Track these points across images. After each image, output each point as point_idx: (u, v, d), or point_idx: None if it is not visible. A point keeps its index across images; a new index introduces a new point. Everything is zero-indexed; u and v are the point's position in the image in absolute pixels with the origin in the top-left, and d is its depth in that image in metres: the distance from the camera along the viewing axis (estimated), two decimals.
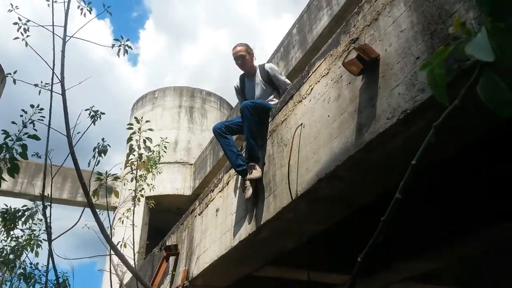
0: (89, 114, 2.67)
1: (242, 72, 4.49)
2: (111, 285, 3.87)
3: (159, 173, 5.80)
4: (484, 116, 2.17)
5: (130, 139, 3.40)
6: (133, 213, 4.20)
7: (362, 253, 0.79)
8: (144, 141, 3.53)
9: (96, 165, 2.61)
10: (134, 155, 3.56)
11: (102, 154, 2.66)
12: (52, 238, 2.62)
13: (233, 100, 13.72)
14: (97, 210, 5.19)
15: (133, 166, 3.75)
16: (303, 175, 3.07)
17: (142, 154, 3.63)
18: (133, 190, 4.31)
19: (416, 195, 3.56)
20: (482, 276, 5.42)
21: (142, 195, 4.62)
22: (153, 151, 5.64)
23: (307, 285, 4.82)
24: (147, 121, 3.85)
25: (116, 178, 2.61)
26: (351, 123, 2.56)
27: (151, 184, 5.69)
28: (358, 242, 4.69)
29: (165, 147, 5.91)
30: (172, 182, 12.93)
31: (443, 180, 3.41)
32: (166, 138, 6.28)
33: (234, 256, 4.29)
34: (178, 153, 13.41)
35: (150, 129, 3.85)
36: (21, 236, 4.27)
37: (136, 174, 4.00)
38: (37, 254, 4.47)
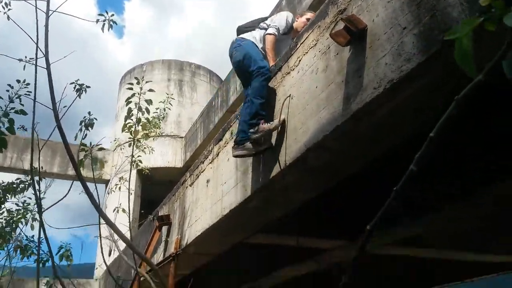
0: (74, 88, 2.66)
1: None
2: (102, 255, 3.94)
3: (154, 139, 5.81)
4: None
5: (128, 101, 3.36)
6: (130, 178, 4.22)
7: (371, 222, 0.83)
8: (147, 102, 3.49)
9: (83, 139, 2.62)
10: (132, 119, 3.53)
11: (89, 128, 2.67)
12: (43, 209, 2.66)
13: (223, 73, 13.62)
14: (95, 184, 5.23)
15: (131, 129, 3.72)
16: (291, 145, 3.13)
17: (140, 118, 3.60)
18: (131, 156, 4.31)
19: (404, 160, 3.66)
20: (468, 240, 5.65)
21: (140, 161, 4.62)
22: (154, 117, 5.61)
23: (296, 251, 4.99)
24: (147, 82, 3.80)
25: (101, 149, 2.62)
26: (339, 94, 2.61)
27: (150, 147, 5.67)
28: (346, 208, 4.85)
29: (163, 117, 5.86)
30: (163, 155, 12.96)
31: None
32: (158, 109, 6.25)
33: (225, 225, 4.40)
34: (168, 126, 13.38)
35: (151, 90, 3.81)
36: (15, 210, 4.31)
37: (134, 138, 3.99)
38: (32, 228, 4.53)
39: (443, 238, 5.53)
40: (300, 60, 3.15)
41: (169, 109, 6.05)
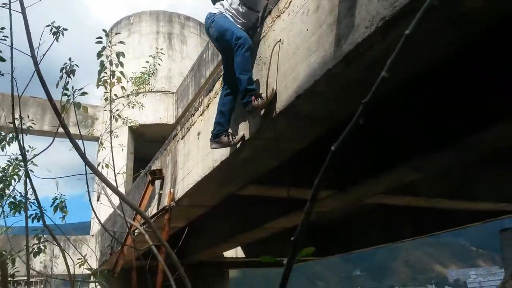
0: (51, 31, 2.51)
1: None
2: (93, 210, 3.93)
3: (144, 96, 5.71)
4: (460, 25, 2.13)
5: (99, 54, 3.21)
6: (110, 134, 4.14)
7: (337, 142, 0.74)
8: (117, 56, 3.34)
9: (65, 87, 2.52)
10: (106, 72, 3.40)
11: (71, 75, 2.55)
12: (28, 160, 2.59)
13: None
14: (79, 130, 5.12)
15: (106, 84, 3.59)
16: (282, 92, 3.05)
17: (115, 71, 3.45)
18: (109, 111, 4.21)
19: (394, 107, 3.61)
20: (459, 187, 5.73)
21: (119, 115, 4.52)
22: (143, 73, 5.43)
23: (288, 202, 5.03)
24: (117, 33, 3.64)
25: (83, 93, 2.52)
26: (330, 35, 2.49)
27: (140, 103, 5.55)
28: (336, 156, 4.85)
29: (152, 72, 5.69)
30: (155, 111, 12.80)
31: (420, 90, 3.44)
32: (147, 62, 6.06)
33: (217, 177, 4.40)
34: (158, 81, 13.10)
35: (122, 42, 3.64)
36: (6, 166, 4.23)
37: (110, 93, 3.86)
38: (26, 184, 4.48)
39: (434, 187, 5.60)
40: (290, 2, 2.99)
41: (159, 64, 5.85)
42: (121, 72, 3.48)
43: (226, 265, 12.31)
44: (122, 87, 3.98)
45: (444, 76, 3.46)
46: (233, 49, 3.27)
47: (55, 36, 2.49)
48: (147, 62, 6.08)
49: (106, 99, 4.66)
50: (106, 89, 3.74)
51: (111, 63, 3.27)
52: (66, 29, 2.55)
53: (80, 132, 3.92)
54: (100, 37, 3.13)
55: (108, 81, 3.44)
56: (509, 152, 5.55)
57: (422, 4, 2.00)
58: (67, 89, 2.26)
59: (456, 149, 3.50)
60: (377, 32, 2.12)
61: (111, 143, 4.08)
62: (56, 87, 2.51)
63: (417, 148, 3.64)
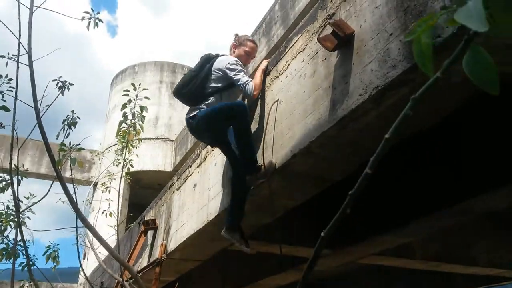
0: (57, 85, 2.60)
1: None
2: (79, 259, 3.83)
3: (136, 148, 5.74)
4: (462, 90, 2.21)
5: (124, 105, 3.32)
6: (120, 184, 4.14)
7: (326, 228, 0.79)
8: (141, 109, 3.46)
9: (66, 138, 2.56)
10: (126, 123, 3.48)
11: (72, 127, 2.60)
12: (21, 210, 2.58)
13: None
14: (74, 185, 5.12)
15: (125, 134, 3.67)
16: (278, 151, 3.09)
17: (136, 123, 3.55)
18: (123, 160, 4.24)
19: (387, 168, 3.63)
20: (454, 250, 5.63)
21: (131, 165, 4.55)
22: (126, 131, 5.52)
23: (282, 259, 4.92)
24: (144, 89, 3.79)
25: (80, 149, 2.55)
26: (325, 100, 2.57)
27: (137, 155, 5.59)
28: (331, 216, 4.81)
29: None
30: (153, 158, 12.84)
31: (416, 153, 3.49)
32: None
33: (210, 231, 4.33)
34: (159, 129, 13.28)
35: (147, 98, 3.78)
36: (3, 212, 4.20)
37: (127, 143, 3.93)
38: (16, 234, 4.40)
39: (430, 250, 5.50)
40: (288, 65, 3.12)
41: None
42: (141, 125, 3.59)
43: None
44: (139, 139, 4.07)
45: (438, 139, 3.53)
46: (234, 116, 3.21)
47: (60, 91, 2.57)
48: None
49: (122, 149, 4.69)
50: (124, 139, 3.82)
51: (134, 115, 3.38)
52: (72, 84, 2.64)
53: (72, 175, 3.91)
54: (128, 90, 3.25)
55: (128, 131, 3.53)
56: (505, 217, 5.52)
57: (415, 77, 2.07)
58: (64, 145, 2.30)
59: (451, 212, 3.49)
60: (371, 100, 2.19)
61: (119, 191, 4.09)
62: (57, 138, 2.56)
63: (412, 211, 3.63)
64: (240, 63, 3.42)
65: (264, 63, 3.53)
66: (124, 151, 4.05)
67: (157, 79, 14.14)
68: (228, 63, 3.36)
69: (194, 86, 3.34)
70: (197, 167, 4.72)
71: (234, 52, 3.64)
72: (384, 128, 2.64)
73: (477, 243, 5.72)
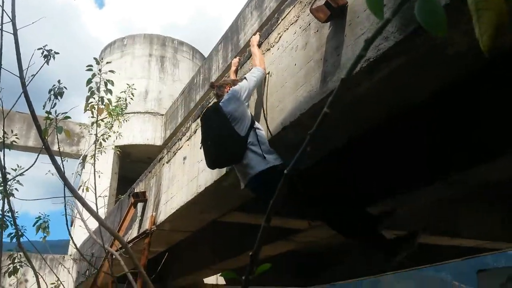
0: (42, 53, 2.53)
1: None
2: (67, 226, 3.85)
3: (126, 121, 5.66)
4: (456, 63, 2.22)
5: (89, 81, 3.23)
6: (94, 158, 4.12)
7: (288, 167, 0.80)
8: (106, 84, 3.36)
9: (52, 107, 2.52)
10: (94, 98, 3.41)
11: (58, 97, 2.55)
12: (8, 180, 2.56)
13: (206, 51, 13.37)
14: (61, 157, 5.10)
15: (93, 109, 3.61)
16: (269, 123, 3.10)
17: (103, 97, 3.47)
18: (94, 135, 4.20)
19: (379, 140, 3.67)
20: (441, 222, 5.77)
21: (104, 140, 4.50)
22: (120, 98, 5.46)
23: (272, 230, 5.00)
24: (107, 62, 3.68)
25: (66, 117, 2.51)
26: (317, 72, 2.56)
27: (117, 132, 5.55)
28: (322, 187, 4.86)
29: (132, 94, 5.73)
30: (143, 132, 12.77)
31: (410, 125, 3.52)
32: (133, 84, 6.07)
33: (200, 202, 4.38)
34: (148, 103, 13.14)
35: (112, 71, 3.68)
36: None
37: (97, 118, 3.87)
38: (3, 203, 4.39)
39: (417, 222, 5.63)
40: (280, 37, 3.08)
41: (132, 99, 5.81)
42: (109, 100, 3.51)
43: None
44: (109, 113, 4.00)
45: (433, 111, 3.55)
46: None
47: (45, 60, 2.50)
48: (119, 97, 5.98)
49: (92, 124, 4.66)
50: (93, 114, 3.75)
51: (98, 89, 3.29)
52: (57, 53, 2.57)
53: (58, 143, 3.87)
54: (91, 65, 3.17)
55: (96, 106, 3.46)
56: (492, 190, 5.65)
57: (406, 48, 2.06)
58: (50, 113, 2.25)
59: (443, 184, 3.56)
60: (363, 72, 2.19)
61: (94, 167, 4.06)
62: (43, 109, 2.52)
63: (402, 182, 3.70)
64: (239, 84, 3.09)
65: (256, 37, 3.48)
66: (95, 125, 3.99)
67: (147, 52, 13.88)
68: (231, 93, 3.02)
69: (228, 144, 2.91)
70: (187, 140, 4.72)
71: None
72: (375, 101, 2.64)
73: (464, 216, 5.88)
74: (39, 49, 2.50)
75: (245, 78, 3.09)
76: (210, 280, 10.55)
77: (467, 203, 5.76)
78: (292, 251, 7.78)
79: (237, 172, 3.03)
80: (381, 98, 2.44)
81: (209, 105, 3.28)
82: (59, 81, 2.60)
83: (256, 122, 3.04)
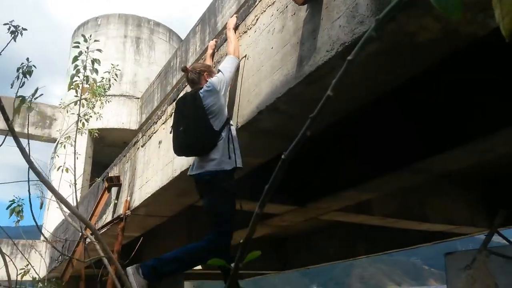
0: (9, 29, 2.41)
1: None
2: (31, 211, 3.73)
3: (108, 102, 5.49)
4: (426, 51, 2.24)
5: (75, 58, 3.11)
6: (76, 137, 3.99)
7: (286, 152, 0.77)
8: (92, 62, 3.25)
9: (21, 87, 2.40)
10: (79, 76, 3.29)
11: (27, 75, 2.44)
12: None
13: (183, 33, 13.12)
14: (28, 139, 4.93)
15: (77, 88, 3.48)
16: (244, 107, 3.07)
17: (88, 76, 3.35)
18: (77, 115, 4.06)
19: (351, 127, 3.72)
20: (411, 208, 5.94)
21: (87, 120, 4.36)
22: (103, 78, 5.30)
23: (247, 215, 5.02)
24: (96, 41, 3.55)
25: (35, 97, 2.40)
26: (293, 55, 2.54)
27: (98, 113, 5.38)
28: (297, 174, 4.90)
29: (116, 74, 5.54)
30: (117, 115, 12.49)
31: (380, 113, 3.57)
32: (118, 65, 5.88)
33: (176, 187, 4.34)
34: (123, 86, 12.82)
35: (99, 50, 3.55)
36: None
37: (80, 97, 3.73)
38: None
39: (388, 207, 5.78)
40: (257, 19, 3.04)
41: (115, 80, 5.64)
42: (94, 79, 3.39)
43: (182, 276, 12.07)
44: (94, 93, 3.87)
45: (400, 100, 3.61)
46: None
47: (12, 36, 2.38)
48: (103, 78, 5.81)
49: (76, 103, 4.51)
50: (77, 93, 3.62)
51: (85, 68, 3.18)
52: (25, 29, 2.45)
53: (27, 126, 3.73)
54: (78, 42, 3.05)
55: (80, 85, 3.34)
56: (458, 178, 5.82)
57: (382, 34, 2.06)
58: (22, 96, 2.14)
59: (410, 171, 3.65)
60: (338, 56, 2.19)
61: (74, 148, 3.94)
62: (11, 87, 2.41)
63: (373, 169, 3.76)
64: (217, 77, 2.99)
65: (233, 19, 3.42)
66: (79, 105, 3.87)
67: (122, 33, 13.49)
68: (211, 86, 2.91)
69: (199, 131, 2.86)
70: (163, 123, 4.64)
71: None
72: (350, 86, 2.64)
73: (432, 202, 6.06)
74: (5, 24, 2.38)
75: (220, 70, 3.02)
76: None
77: (434, 190, 5.94)
78: (268, 236, 7.86)
79: (195, 160, 2.99)
80: (354, 84, 2.44)
81: (188, 91, 3.19)
82: (27, 59, 2.49)
83: (231, 120, 3.02)
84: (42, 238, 11.89)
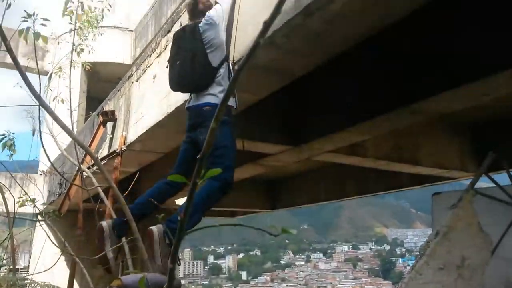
0: None
1: None
2: (43, 147, 3.76)
3: (101, 34, 5.27)
4: None
5: None
6: (70, 69, 3.89)
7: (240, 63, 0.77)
8: None
9: (7, 9, 2.28)
10: (73, 2, 3.13)
11: None
12: None
13: None
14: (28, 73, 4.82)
15: (71, 15, 3.32)
16: (241, 42, 2.98)
17: (83, 2, 3.19)
18: (72, 43, 3.92)
19: (346, 67, 3.65)
20: (403, 151, 6.02)
21: (81, 50, 4.23)
22: (95, 8, 5.06)
23: (242, 154, 5.08)
24: None
25: (45, 19, 2.28)
26: None
27: (90, 46, 5.20)
28: (290, 113, 4.88)
29: (109, 4, 5.28)
30: (111, 49, 12.10)
31: (373, 53, 3.49)
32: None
33: (171, 122, 4.33)
34: (117, 17, 12.32)
35: None
36: None
37: (75, 25, 3.58)
38: None
39: (381, 149, 5.85)
40: None
41: (109, 10, 5.35)
42: (89, 7, 3.24)
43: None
44: (88, 21, 3.70)
45: (393, 42, 3.51)
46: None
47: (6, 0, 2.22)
48: (95, 8, 5.51)
49: (70, 31, 4.33)
50: (71, 20, 3.46)
51: None
52: None
53: (35, 56, 3.59)
54: None
55: (74, 12, 3.18)
56: (451, 122, 5.84)
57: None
58: (29, 15, 2.02)
59: (403, 113, 3.63)
60: None
61: (70, 79, 3.86)
62: (8, 8, 2.27)
63: (366, 110, 3.74)
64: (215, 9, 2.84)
65: None
66: (73, 34, 3.72)
67: None
68: (210, 19, 2.77)
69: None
70: (157, 57, 4.52)
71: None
72: (349, 20, 2.55)
73: (424, 145, 6.13)
74: None
75: (217, 2, 2.87)
76: (181, 201, 10.86)
77: (427, 133, 5.99)
78: (261, 176, 8.02)
79: (192, 95, 2.91)
80: (355, 17, 2.35)
81: (187, 24, 3.04)
82: None
83: (230, 57, 2.90)
84: (39, 170, 12.07)
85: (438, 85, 3.25)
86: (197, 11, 2.94)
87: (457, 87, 3.14)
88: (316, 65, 2.97)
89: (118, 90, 5.90)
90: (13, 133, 4.21)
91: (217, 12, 2.82)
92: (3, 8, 2.37)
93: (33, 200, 4.55)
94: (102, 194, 4.20)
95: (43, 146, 3.59)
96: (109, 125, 6.01)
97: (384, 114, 3.64)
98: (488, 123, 6.23)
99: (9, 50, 2.15)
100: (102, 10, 5.30)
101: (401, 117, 3.78)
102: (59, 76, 4.76)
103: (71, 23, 4.05)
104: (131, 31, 12.34)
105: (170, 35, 4.16)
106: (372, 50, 3.35)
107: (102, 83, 12.78)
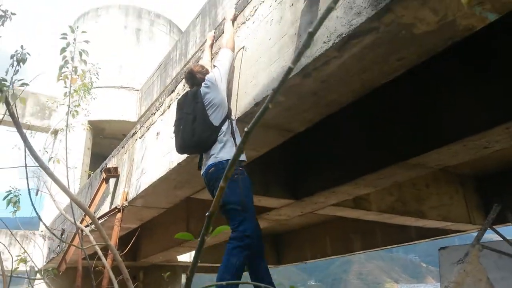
0: None
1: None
2: (29, 198, 3.73)
3: (94, 98, 5.42)
4: (424, 43, 2.23)
5: (63, 49, 3.10)
6: (66, 129, 3.98)
7: (249, 125, 0.78)
8: (80, 54, 3.23)
9: (15, 74, 2.39)
10: (67, 67, 3.28)
11: (21, 63, 2.43)
12: None
13: (183, 25, 13.07)
14: (33, 132, 4.92)
15: (66, 79, 3.47)
16: (242, 99, 3.07)
17: (77, 67, 3.33)
18: (67, 105, 4.04)
19: (349, 121, 3.71)
20: (407, 203, 5.95)
21: (76, 111, 4.34)
22: (89, 70, 5.26)
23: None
24: (83, 32, 3.52)
25: (23, 84, 2.37)
26: (290, 47, 2.54)
27: (85, 109, 5.34)
28: (293, 167, 4.89)
29: (97, 73, 5.47)
30: (117, 107, 12.46)
31: (375, 109, 3.57)
32: (98, 64, 5.81)
33: (173, 178, 4.34)
34: (123, 77, 12.80)
35: (86, 41, 3.53)
36: None
37: (70, 88, 3.71)
38: None
39: (385, 203, 5.79)
40: (256, 10, 3.03)
41: (97, 78, 5.57)
42: (83, 70, 3.38)
43: (180, 269, 12.13)
44: (84, 84, 3.85)
45: (393, 98, 3.61)
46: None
47: (1, 20, 2.36)
48: (89, 69, 5.71)
49: (65, 94, 4.48)
50: (66, 84, 3.60)
51: (72, 59, 3.16)
52: (14, 14, 2.43)
53: (16, 114, 3.67)
54: (65, 34, 3.03)
55: (69, 76, 3.32)
56: (453, 173, 5.82)
57: (379, 25, 2.05)
58: (5, 80, 2.12)
59: (405, 166, 3.65)
60: (334, 48, 2.18)
61: (66, 139, 3.93)
62: (6, 74, 2.39)
63: (369, 164, 3.76)
64: (213, 72, 3.03)
65: (232, 10, 3.42)
66: (69, 95, 3.85)
67: (122, 24, 13.43)
68: (209, 82, 2.93)
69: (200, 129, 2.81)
70: (161, 115, 4.64)
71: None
72: (346, 80, 2.64)
73: (427, 198, 6.06)
74: None
75: (215, 66, 3.04)
76: (183, 258, 10.59)
77: (431, 186, 5.95)
78: (265, 230, 7.87)
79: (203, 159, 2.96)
80: (351, 77, 2.44)
81: (190, 90, 3.17)
82: (22, 47, 2.48)
83: (232, 113, 3.00)
84: (40, 228, 11.92)
85: (430, 143, 3.30)
86: (196, 81, 3.09)
87: (445, 144, 3.17)
88: (314, 122, 3.04)
89: (122, 147, 5.98)
90: (18, 190, 4.23)
91: (215, 74, 2.96)
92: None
93: (24, 261, 4.46)
94: (100, 253, 4.12)
95: (37, 213, 3.58)
96: (112, 181, 6.03)
97: (387, 167, 3.65)
98: (492, 175, 6.21)
99: (11, 115, 2.22)
100: (90, 78, 5.45)
101: (399, 171, 3.79)
102: (57, 139, 4.84)
103: (65, 87, 4.18)
104: (137, 90, 12.74)
105: (174, 95, 4.31)
106: (371, 105, 3.44)
107: (107, 140, 12.97)
